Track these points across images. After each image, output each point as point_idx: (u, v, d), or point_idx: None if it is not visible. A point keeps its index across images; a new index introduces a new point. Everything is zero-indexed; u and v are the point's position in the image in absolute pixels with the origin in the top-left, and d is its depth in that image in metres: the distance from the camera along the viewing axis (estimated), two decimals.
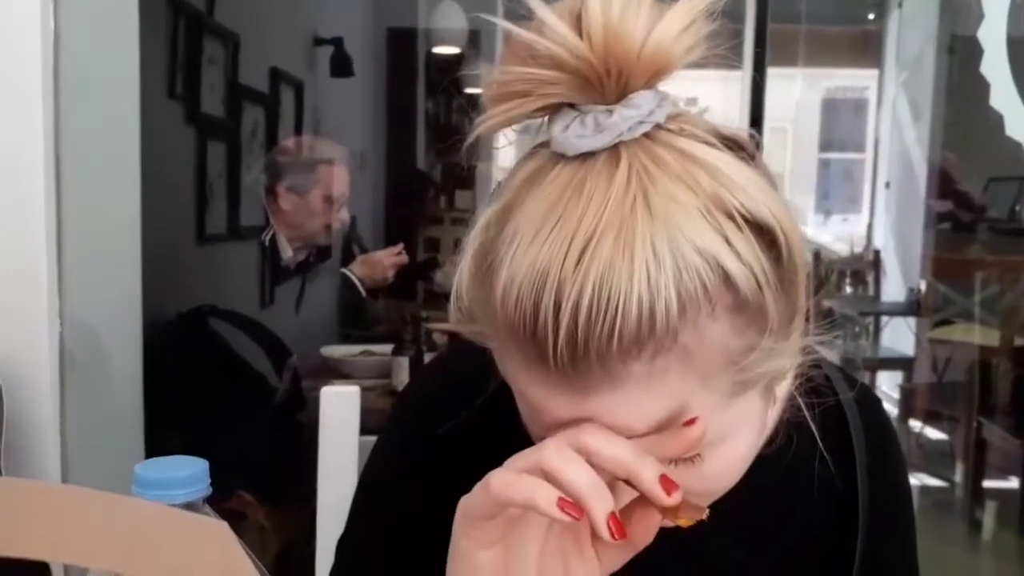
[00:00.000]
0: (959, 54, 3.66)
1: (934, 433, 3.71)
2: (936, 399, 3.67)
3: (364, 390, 1.05)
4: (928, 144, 4.35)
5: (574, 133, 0.51)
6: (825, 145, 6.54)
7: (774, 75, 4.16)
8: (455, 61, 4.44)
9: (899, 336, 4.24)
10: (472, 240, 0.55)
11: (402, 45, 4.46)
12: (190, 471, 0.54)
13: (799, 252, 0.53)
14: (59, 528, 0.44)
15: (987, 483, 3.19)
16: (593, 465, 0.51)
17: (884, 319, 4.39)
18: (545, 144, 0.53)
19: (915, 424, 3.73)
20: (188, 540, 0.44)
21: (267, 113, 2.95)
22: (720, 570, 0.70)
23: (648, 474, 0.50)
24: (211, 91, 2.52)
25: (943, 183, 4.07)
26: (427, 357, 2.10)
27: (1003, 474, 3.19)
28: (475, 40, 4.45)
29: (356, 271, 2.70)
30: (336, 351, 2.38)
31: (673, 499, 0.50)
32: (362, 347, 2.38)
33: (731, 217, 0.49)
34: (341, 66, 3.50)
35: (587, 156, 0.51)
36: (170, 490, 0.52)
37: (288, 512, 1.87)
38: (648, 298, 0.47)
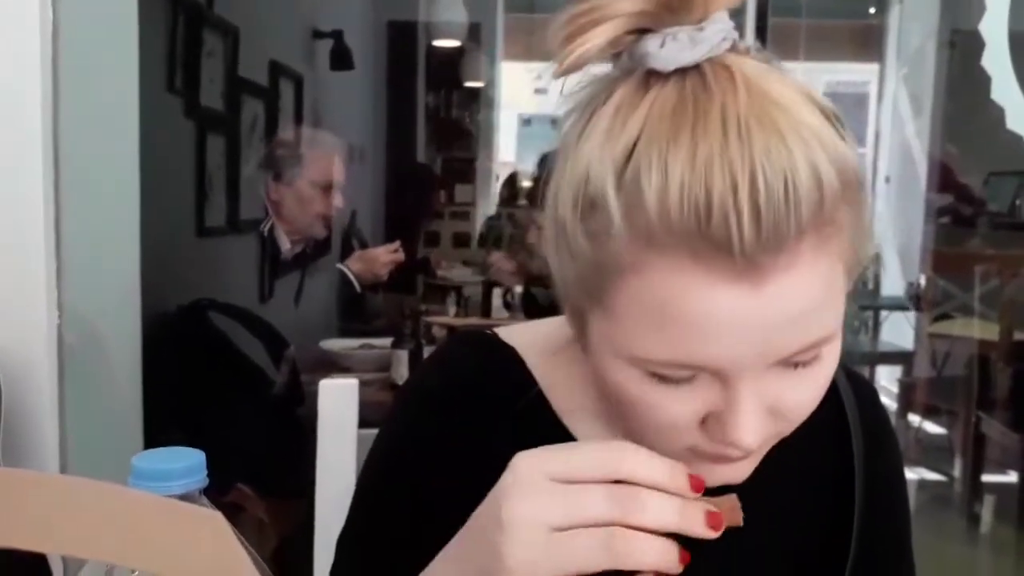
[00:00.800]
0: (960, 48, 3.64)
1: (933, 427, 3.71)
2: (935, 393, 3.67)
3: (363, 383, 1.04)
4: (928, 138, 4.33)
5: (672, 49, 0.53)
6: None
7: None
8: (455, 54, 4.43)
9: (898, 330, 4.23)
10: (566, 185, 0.55)
11: (402, 38, 4.45)
12: (186, 462, 0.53)
13: None
14: (55, 519, 0.44)
15: (986, 477, 3.20)
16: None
17: (883, 313, 4.38)
18: (614, 81, 0.56)
19: (914, 418, 3.72)
20: (182, 530, 0.44)
21: (267, 106, 2.94)
22: (719, 555, 0.70)
23: (698, 530, 0.52)
24: (210, 84, 2.52)
25: (943, 177, 4.06)
26: (427, 351, 2.10)
27: (1002, 468, 3.19)
28: (475, 33, 4.44)
29: (352, 267, 2.69)
30: (335, 344, 2.39)
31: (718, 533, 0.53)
32: (361, 340, 2.38)
33: (826, 116, 0.54)
34: (341, 59, 3.49)
35: (682, 72, 0.53)
36: (166, 481, 0.52)
37: (286, 505, 1.87)
38: (815, 173, 0.50)
